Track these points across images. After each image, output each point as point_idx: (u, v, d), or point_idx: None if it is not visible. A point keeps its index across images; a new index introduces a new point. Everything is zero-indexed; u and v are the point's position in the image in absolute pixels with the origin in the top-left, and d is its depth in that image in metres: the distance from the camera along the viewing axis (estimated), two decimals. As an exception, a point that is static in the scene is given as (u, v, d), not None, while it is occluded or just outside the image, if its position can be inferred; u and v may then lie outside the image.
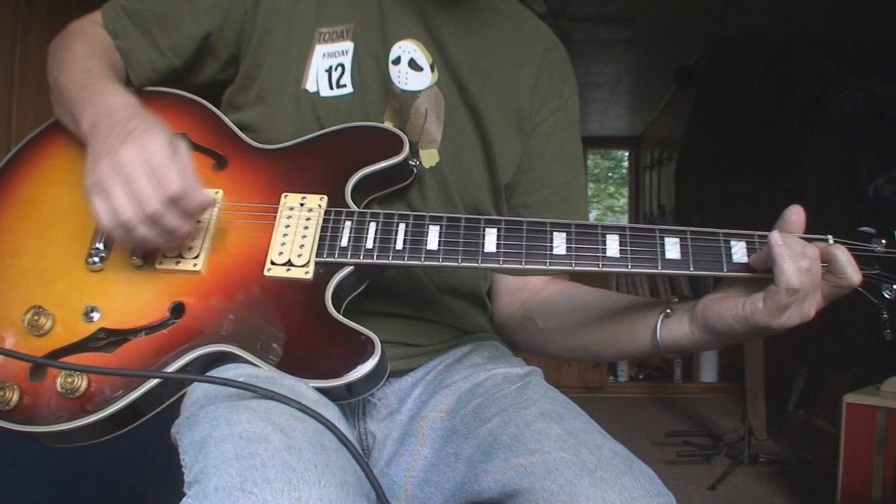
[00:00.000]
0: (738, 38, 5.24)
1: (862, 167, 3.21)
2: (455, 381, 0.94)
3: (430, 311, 1.00)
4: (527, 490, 0.72)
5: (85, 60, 0.94)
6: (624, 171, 10.54)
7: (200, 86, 1.03)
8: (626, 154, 9.81)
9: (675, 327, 0.83)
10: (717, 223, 0.81)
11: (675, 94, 6.41)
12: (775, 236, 0.74)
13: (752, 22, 4.91)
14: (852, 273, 0.75)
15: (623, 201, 10.79)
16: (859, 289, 0.77)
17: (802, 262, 0.73)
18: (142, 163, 0.77)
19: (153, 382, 0.78)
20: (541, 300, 1.01)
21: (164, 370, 0.79)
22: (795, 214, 0.79)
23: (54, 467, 1.41)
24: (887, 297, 0.78)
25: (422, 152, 0.97)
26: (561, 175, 1.05)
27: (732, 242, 0.79)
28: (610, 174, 11.49)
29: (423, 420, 0.92)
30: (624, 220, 10.58)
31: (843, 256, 0.75)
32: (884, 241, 0.79)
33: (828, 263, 0.75)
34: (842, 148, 3.40)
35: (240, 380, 0.75)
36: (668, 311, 0.84)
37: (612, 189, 11.51)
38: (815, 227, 0.79)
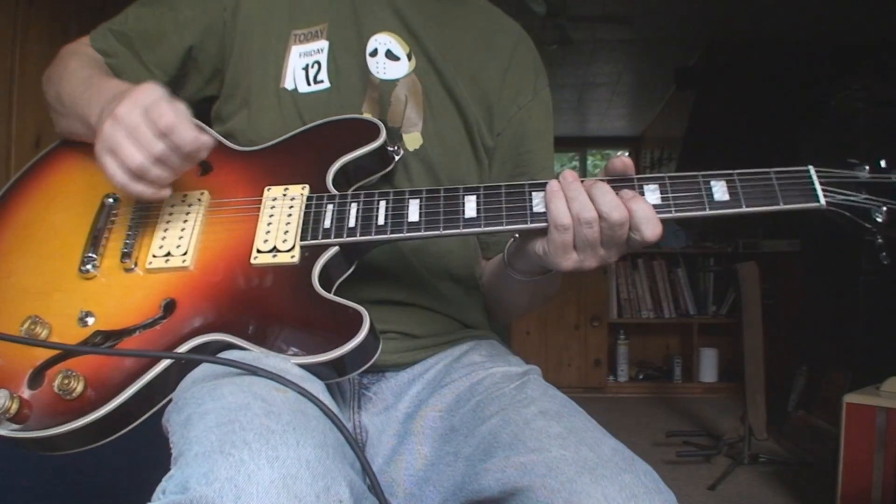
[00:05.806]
0: (739, 38, 5.24)
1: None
2: (454, 380, 0.94)
3: (424, 297, 1.01)
4: (527, 488, 0.72)
5: (84, 69, 0.98)
6: (624, 171, 10.54)
7: (186, 101, 1.04)
8: (626, 154, 9.81)
9: (512, 247, 0.92)
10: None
11: (675, 94, 6.41)
12: (552, 183, 0.80)
13: (752, 22, 4.92)
14: (647, 230, 0.77)
15: (623, 201, 10.77)
16: (851, 216, 0.79)
17: (574, 203, 0.78)
18: (139, 111, 0.80)
19: (144, 381, 0.79)
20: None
21: (160, 362, 0.80)
22: (619, 162, 0.82)
23: (53, 466, 1.41)
24: (879, 220, 0.80)
25: (405, 136, 1.01)
26: (538, 161, 1.10)
27: (713, 182, 0.83)
28: (610, 174, 11.48)
29: (422, 419, 0.93)
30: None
31: (641, 213, 0.77)
32: (867, 167, 0.82)
33: (630, 215, 0.77)
34: (842, 148, 3.40)
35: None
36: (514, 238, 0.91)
37: (612, 189, 11.51)
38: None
